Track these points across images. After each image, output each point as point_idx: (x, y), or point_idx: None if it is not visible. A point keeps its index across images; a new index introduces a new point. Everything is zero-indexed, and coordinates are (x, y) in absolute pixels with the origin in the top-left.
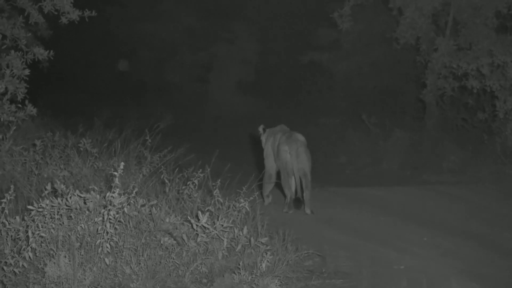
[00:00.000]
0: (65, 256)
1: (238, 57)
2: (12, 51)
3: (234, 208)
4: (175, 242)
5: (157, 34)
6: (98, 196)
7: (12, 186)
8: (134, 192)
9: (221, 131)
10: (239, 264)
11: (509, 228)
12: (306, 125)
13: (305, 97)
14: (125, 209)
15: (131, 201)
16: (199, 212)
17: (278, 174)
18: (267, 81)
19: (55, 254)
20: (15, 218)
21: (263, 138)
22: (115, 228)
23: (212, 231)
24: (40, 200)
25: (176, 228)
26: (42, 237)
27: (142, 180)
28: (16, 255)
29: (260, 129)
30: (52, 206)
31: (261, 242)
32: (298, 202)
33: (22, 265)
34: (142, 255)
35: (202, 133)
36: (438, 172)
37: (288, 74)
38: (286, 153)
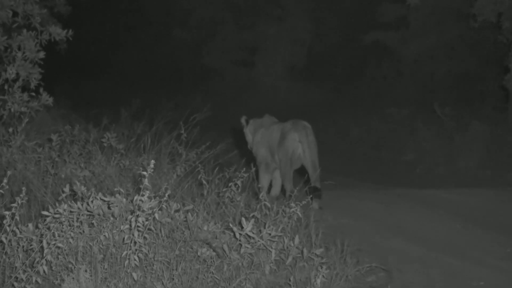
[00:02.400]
0: (86, 270)
1: (289, 37)
2: (25, 31)
3: (283, 214)
4: (214, 253)
5: (194, 11)
6: (124, 200)
7: (24, 188)
8: (166, 195)
9: None
10: (289, 280)
11: None
12: (368, 117)
13: (367, 84)
14: (156, 215)
15: (163, 206)
16: (243, 219)
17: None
18: (322, 66)
19: (74, 267)
20: (28, 225)
21: (246, 130)
22: (145, 238)
23: (258, 241)
24: (57, 204)
25: (216, 238)
26: (59, 248)
27: (176, 181)
28: (29, 269)
29: (243, 120)
30: (71, 211)
31: (316, 254)
32: (317, 190)
33: (36, 280)
34: (176, 269)
35: None
36: None
37: (347, 57)
38: (295, 142)
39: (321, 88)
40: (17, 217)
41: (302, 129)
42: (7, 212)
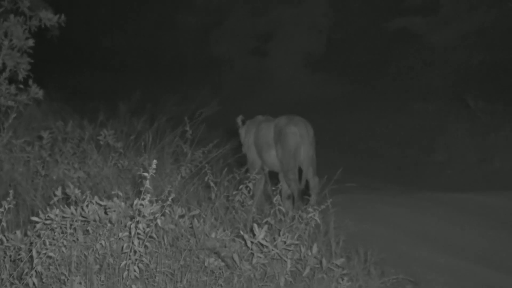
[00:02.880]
0: (80, 283)
1: (306, 23)
2: (12, 16)
3: (300, 219)
4: (223, 264)
5: None
6: (123, 204)
7: (11, 192)
8: (170, 199)
9: None
10: None
11: None
12: (394, 112)
13: (393, 76)
14: (158, 221)
15: (166, 211)
16: (255, 225)
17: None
18: (343, 55)
19: (67, 279)
20: (15, 233)
21: (242, 131)
22: (145, 246)
23: (272, 249)
24: (48, 209)
25: (225, 246)
26: (50, 257)
27: (181, 184)
28: (17, 281)
29: (239, 120)
30: (64, 217)
31: (336, 265)
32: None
33: None
34: (181, 281)
35: None
36: None
37: (370, 45)
38: (296, 136)
39: (341, 80)
40: (4, 224)
41: (300, 122)
42: None
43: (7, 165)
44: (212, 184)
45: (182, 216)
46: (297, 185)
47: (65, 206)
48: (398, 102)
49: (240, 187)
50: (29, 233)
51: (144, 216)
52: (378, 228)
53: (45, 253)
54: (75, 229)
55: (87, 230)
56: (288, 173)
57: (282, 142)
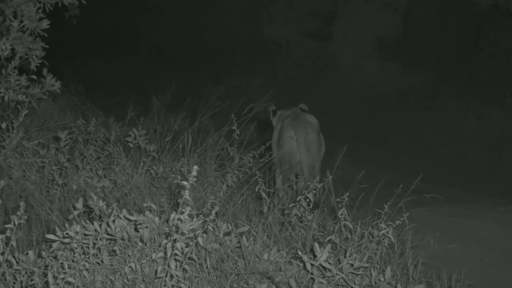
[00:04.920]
0: None
1: (377, 1)
2: None
3: (370, 237)
4: None
5: None
6: (157, 219)
7: (22, 204)
8: (213, 213)
9: (351, 116)
10: None
11: None
12: (484, 108)
13: (483, 63)
14: (200, 240)
15: (209, 227)
16: (316, 245)
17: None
18: (422, 39)
19: None
20: (27, 254)
21: (274, 122)
22: (184, 270)
23: (336, 274)
24: (66, 225)
25: (280, 270)
26: (69, 283)
27: (227, 194)
28: None
29: (270, 109)
30: (85, 234)
31: None
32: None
33: None
34: None
35: (321, 119)
36: None
37: (455, 26)
38: (292, 140)
39: (420, 69)
40: (13, 243)
41: (301, 125)
42: None
43: (18, 172)
44: (264, 195)
45: (228, 234)
46: (280, 184)
47: (87, 221)
48: (489, 96)
49: (298, 198)
50: (43, 254)
51: (182, 234)
52: (464, 248)
53: (63, 278)
54: (99, 249)
55: (114, 251)
56: (282, 176)
57: (280, 144)
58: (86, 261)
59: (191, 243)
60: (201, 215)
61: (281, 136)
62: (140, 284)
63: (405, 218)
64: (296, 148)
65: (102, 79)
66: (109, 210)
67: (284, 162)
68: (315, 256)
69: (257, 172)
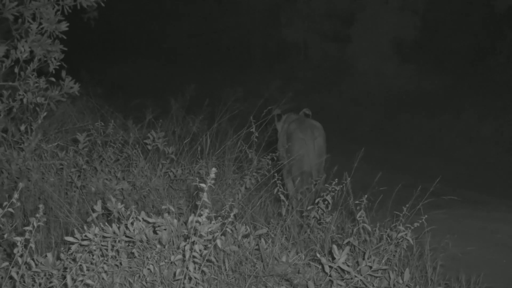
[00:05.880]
0: None
1: (396, 2)
2: None
3: (389, 240)
4: None
5: None
6: (175, 221)
7: (41, 206)
8: (232, 215)
9: (368, 118)
10: None
11: None
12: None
13: (502, 66)
14: (218, 242)
15: (228, 230)
16: (334, 247)
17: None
18: (441, 41)
19: None
20: (46, 256)
21: (279, 126)
22: (203, 272)
23: (355, 276)
24: (85, 227)
25: (298, 272)
26: (88, 286)
27: (245, 196)
28: None
29: (275, 114)
30: (104, 237)
31: None
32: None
33: None
34: None
35: (339, 121)
36: None
37: (473, 29)
38: (302, 141)
39: (438, 71)
40: (32, 245)
41: (308, 128)
42: (18, 238)
43: (36, 175)
44: (282, 197)
45: (246, 236)
46: (297, 189)
47: (106, 223)
48: (507, 98)
49: (317, 200)
50: (62, 256)
51: (201, 236)
52: (483, 250)
53: (81, 281)
54: (117, 251)
55: (132, 253)
56: (286, 177)
57: (290, 147)
58: (104, 263)
59: (209, 245)
60: (219, 218)
61: (290, 139)
62: (159, 286)
63: (423, 220)
64: (307, 150)
65: (120, 81)
66: (128, 212)
67: (296, 167)
68: (333, 258)
69: (275, 174)
